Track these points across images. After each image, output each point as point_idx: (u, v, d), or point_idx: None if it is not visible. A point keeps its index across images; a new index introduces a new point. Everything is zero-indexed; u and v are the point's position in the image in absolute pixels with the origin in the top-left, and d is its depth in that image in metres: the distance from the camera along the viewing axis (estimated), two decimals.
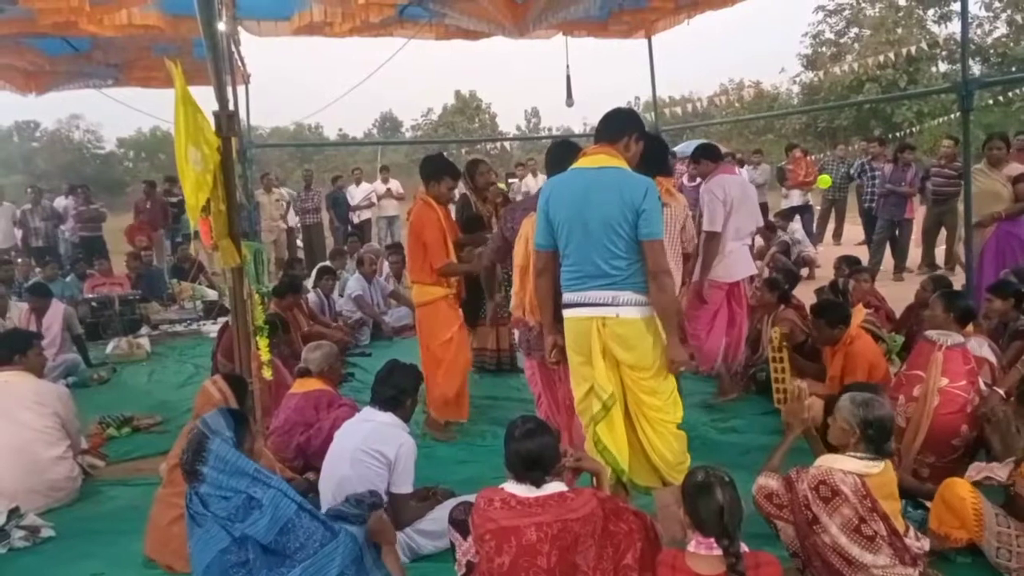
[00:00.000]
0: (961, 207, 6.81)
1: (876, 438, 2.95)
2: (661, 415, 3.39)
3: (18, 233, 12.75)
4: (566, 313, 3.44)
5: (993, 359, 4.43)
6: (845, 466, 2.94)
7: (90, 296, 9.36)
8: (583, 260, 3.31)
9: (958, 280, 7.20)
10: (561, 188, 3.39)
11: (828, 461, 3.02)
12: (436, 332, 5.10)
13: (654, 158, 4.20)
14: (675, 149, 14.57)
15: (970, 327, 4.46)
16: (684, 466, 3.41)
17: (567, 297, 3.43)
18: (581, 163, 3.41)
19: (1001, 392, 3.94)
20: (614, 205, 3.22)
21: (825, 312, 4.85)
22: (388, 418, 3.65)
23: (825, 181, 12.01)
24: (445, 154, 6.64)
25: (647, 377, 3.34)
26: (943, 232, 10.20)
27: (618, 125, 3.45)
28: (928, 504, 3.42)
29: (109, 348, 8.19)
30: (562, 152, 3.98)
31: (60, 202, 13.36)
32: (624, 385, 3.40)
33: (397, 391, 3.71)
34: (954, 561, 3.25)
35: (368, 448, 3.46)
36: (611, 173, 3.32)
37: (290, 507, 2.84)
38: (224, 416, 3.03)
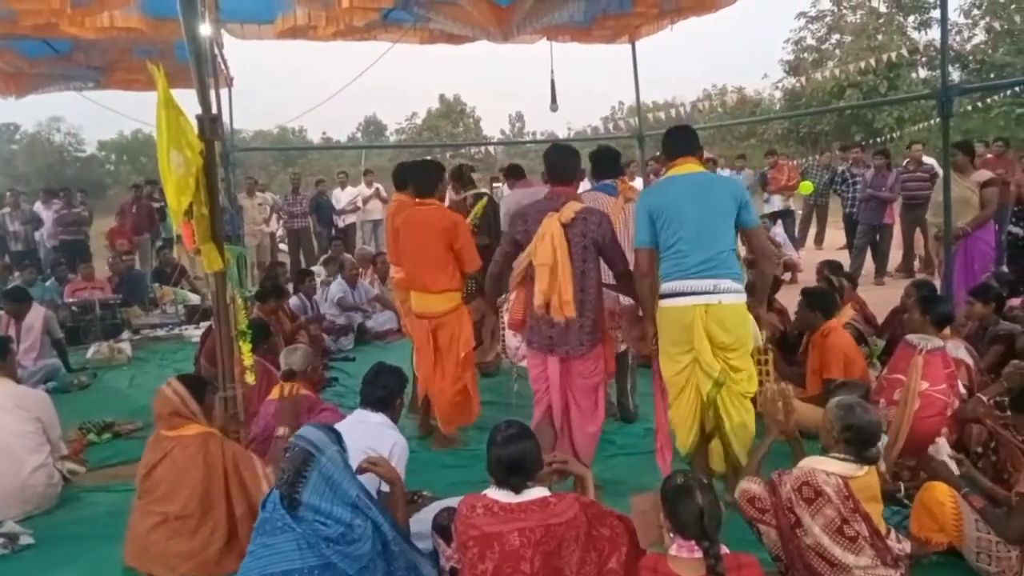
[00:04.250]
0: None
1: (856, 442, 2.96)
2: (741, 388, 3.69)
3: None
4: (667, 303, 3.69)
5: (970, 361, 4.48)
6: (828, 467, 2.95)
7: (71, 300, 9.26)
8: (691, 251, 3.60)
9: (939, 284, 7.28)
10: (671, 189, 3.76)
11: (811, 462, 3.03)
12: (470, 339, 4.91)
13: (610, 163, 5.06)
14: (659, 154, 14.62)
15: (947, 330, 4.51)
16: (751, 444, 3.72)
17: (668, 287, 3.68)
18: (677, 171, 3.81)
19: (984, 399, 3.97)
20: (726, 198, 3.68)
21: (809, 295, 5.04)
22: (380, 419, 3.73)
23: (807, 187, 12.09)
24: (429, 158, 6.66)
25: (737, 356, 3.65)
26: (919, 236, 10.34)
27: (695, 143, 3.93)
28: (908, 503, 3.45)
29: (90, 353, 8.10)
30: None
31: (37, 207, 13.15)
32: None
33: (387, 392, 3.79)
34: (933, 562, 3.27)
35: (363, 448, 3.46)
36: (709, 176, 3.91)
37: (377, 544, 2.83)
38: (326, 431, 2.96)
